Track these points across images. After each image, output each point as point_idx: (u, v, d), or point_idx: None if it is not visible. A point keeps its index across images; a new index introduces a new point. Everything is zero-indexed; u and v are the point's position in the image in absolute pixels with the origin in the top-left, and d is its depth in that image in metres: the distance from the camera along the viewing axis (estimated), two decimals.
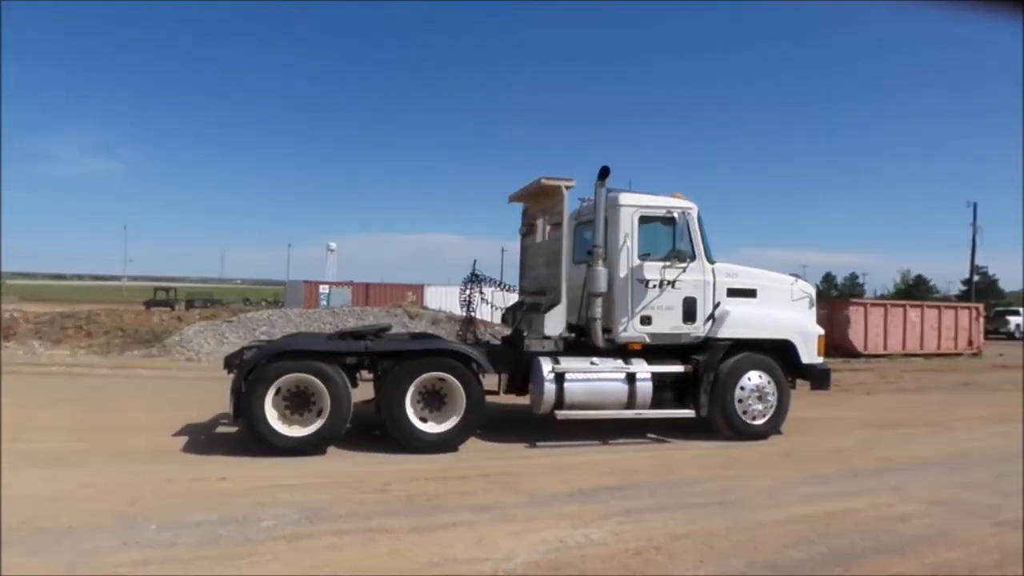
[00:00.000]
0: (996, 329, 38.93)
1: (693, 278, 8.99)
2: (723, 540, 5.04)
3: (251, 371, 7.52)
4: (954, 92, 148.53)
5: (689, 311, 8.99)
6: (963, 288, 56.02)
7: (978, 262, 52.83)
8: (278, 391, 7.57)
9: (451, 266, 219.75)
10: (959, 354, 25.76)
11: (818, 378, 9.62)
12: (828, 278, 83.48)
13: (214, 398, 11.58)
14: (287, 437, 7.53)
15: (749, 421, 8.99)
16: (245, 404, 7.45)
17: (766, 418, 9.08)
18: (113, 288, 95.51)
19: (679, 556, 4.71)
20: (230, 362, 8.22)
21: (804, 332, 9.56)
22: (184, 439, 8.24)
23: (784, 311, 9.58)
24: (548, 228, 9.84)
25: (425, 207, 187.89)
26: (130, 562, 4.34)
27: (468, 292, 10.41)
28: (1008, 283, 69.29)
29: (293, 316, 22.17)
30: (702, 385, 8.81)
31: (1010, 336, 39.38)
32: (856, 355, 23.39)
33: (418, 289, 38.23)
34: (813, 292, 10.20)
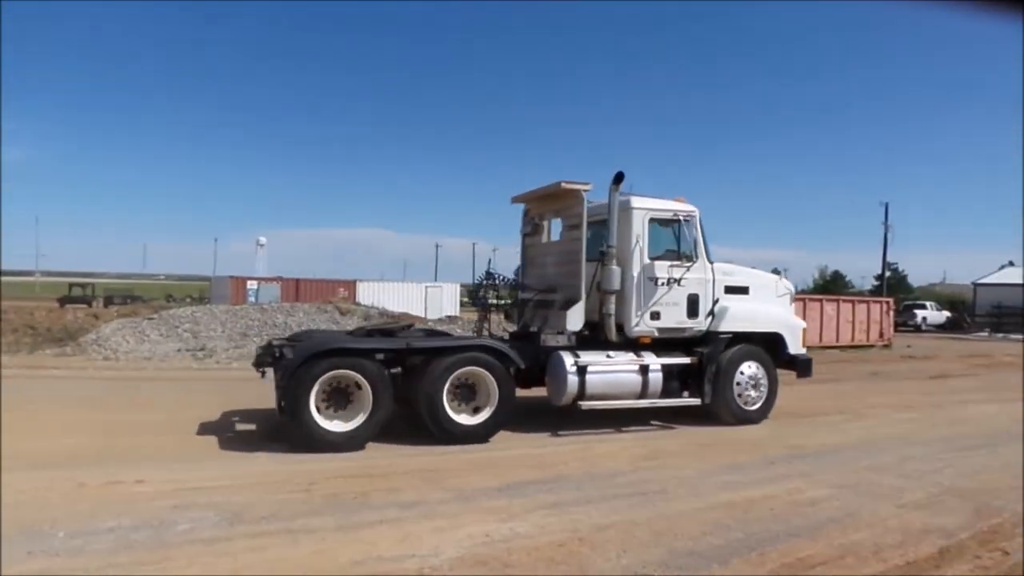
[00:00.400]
0: (905, 322, 41.09)
1: (696, 276, 9.74)
2: (644, 529, 5.17)
3: (295, 369, 7.61)
4: (869, 95, 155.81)
5: (692, 307, 9.73)
6: (875, 283, 58.77)
7: (889, 259, 55.55)
8: (320, 388, 7.72)
9: (385, 261, 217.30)
10: (871, 346, 27.07)
11: (802, 367, 10.58)
12: None
13: (131, 397, 11.17)
14: (332, 432, 7.74)
15: (745, 407, 9.84)
16: (291, 401, 7.59)
17: (759, 404, 9.99)
18: (24, 284, 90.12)
19: (601, 546, 4.81)
20: (262, 360, 8.41)
21: (791, 325, 10.63)
22: (99, 441, 7.88)
23: (772, 306, 10.55)
24: (562, 229, 10.39)
25: (357, 202, 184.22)
26: (36, 572, 4.15)
27: (484, 290, 10.94)
28: (916, 278, 73.35)
29: (219, 313, 21.49)
30: (706, 375, 9.59)
31: (917, 328, 41.69)
32: None
33: (350, 285, 37.63)
34: (793, 289, 11.24)
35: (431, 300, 39.58)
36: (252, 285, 36.90)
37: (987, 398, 13.43)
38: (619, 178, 9.25)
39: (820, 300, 27.74)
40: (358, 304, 28.17)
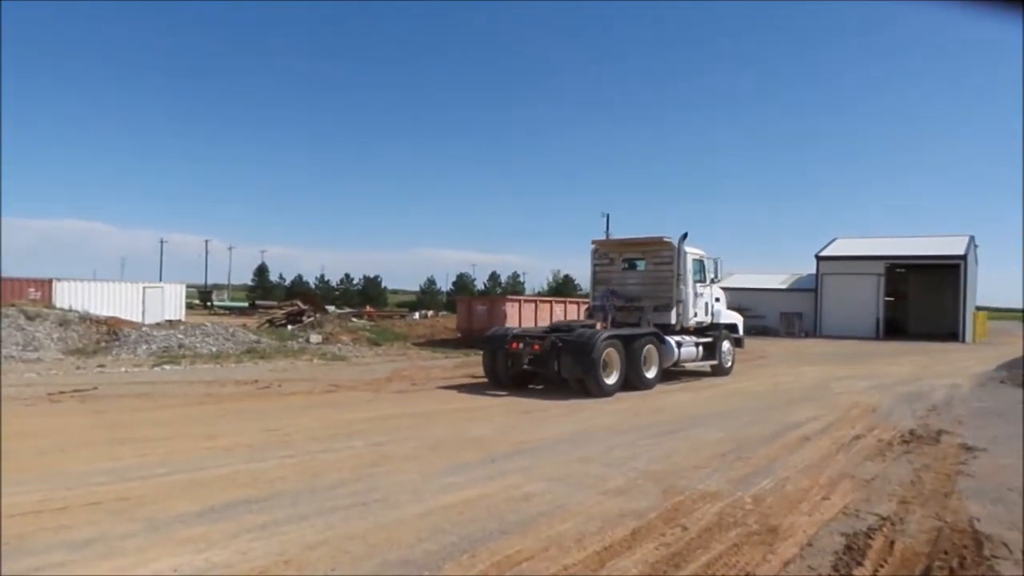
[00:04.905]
0: None
1: (709, 291, 17.17)
2: (359, 542, 4.93)
3: (595, 348, 13.15)
4: (592, 111, 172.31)
5: (707, 309, 17.11)
6: None
7: None
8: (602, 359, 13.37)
9: (100, 258, 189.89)
10: None
11: (740, 343, 19.12)
12: (494, 276, 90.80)
13: None
14: (607, 384, 13.41)
15: (726, 367, 17.67)
16: (594, 368, 13.12)
17: (729, 364, 17.96)
18: None
19: (310, 566, 4.47)
20: (500, 339, 14.80)
21: (739, 319, 19.45)
22: None
23: (726, 307, 18.68)
24: (647, 263, 16.61)
25: (64, 189, 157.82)
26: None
27: (607, 300, 16.39)
28: None
29: None
30: (717, 348, 17.13)
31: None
32: None
33: (45, 284, 32.21)
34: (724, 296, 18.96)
35: (150, 302, 35.46)
36: None
37: (683, 387, 15.36)
38: (685, 236, 15.94)
39: (549, 302, 29.93)
40: (53, 307, 24.25)
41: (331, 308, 48.21)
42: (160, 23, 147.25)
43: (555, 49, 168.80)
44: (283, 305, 37.26)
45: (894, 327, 45.70)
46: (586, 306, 32.36)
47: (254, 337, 23.14)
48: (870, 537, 5.20)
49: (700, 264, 16.58)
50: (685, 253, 15.93)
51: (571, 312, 29.47)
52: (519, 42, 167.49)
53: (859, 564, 4.64)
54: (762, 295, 49.46)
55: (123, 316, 26.60)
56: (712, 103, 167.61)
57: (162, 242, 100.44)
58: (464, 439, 8.95)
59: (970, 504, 6.10)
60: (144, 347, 19.94)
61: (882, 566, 4.63)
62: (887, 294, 45.46)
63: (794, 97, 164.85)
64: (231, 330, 23.29)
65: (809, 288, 47.43)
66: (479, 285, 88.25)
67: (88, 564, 4.45)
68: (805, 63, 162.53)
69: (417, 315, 46.96)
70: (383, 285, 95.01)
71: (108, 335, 20.84)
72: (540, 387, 14.65)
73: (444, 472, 7.08)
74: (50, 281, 32.44)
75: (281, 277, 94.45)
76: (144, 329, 22.15)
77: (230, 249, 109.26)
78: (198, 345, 20.73)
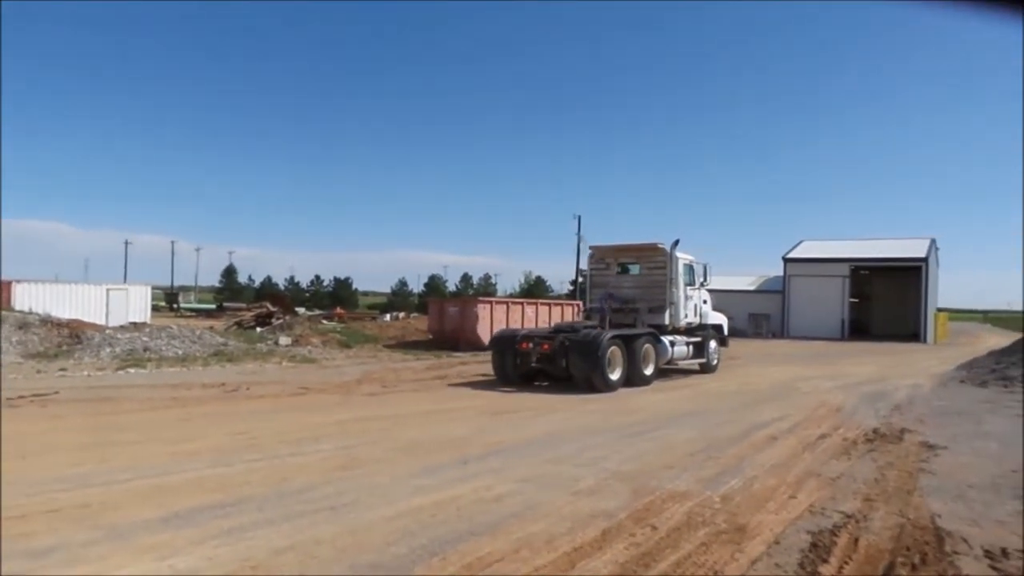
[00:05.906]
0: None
1: (698, 294, 18.28)
2: (328, 547, 4.87)
3: (600, 346, 14.11)
4: (551, 115, 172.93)
5: (696, 310, 18.21)
6: (571, 287, 65.32)
7: (581, 266, 61.96)
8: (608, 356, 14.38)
9: (62, 260, 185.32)
10: None
11: (725, 342, 20.33)
12: (466, 278, 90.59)
13: None
14: (612, 380, 14.39)
15: (712, 364, 18.77)
16: (601, 365, 14.07)
17: (716, 362, 19.10)
18: None
19: (277, 571, 4.40)
20: (521, 338, 15.72)
21: (725, 320, 20.44)
22: None
23: (712, 308, 19.63)
24: (641, 268, 17.66)
25: (24, 188, 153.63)
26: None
27: (606, 303, 16.99)
28: None
29: None
30: (705, 347, 18.29)
31: None
32: (484, 348, 25.46)
33: (4, 286, 31.31)
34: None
35: (114, 304, 34.73)
36: None
37: (655, 388, 15.46)
38: (676, 242, 16.98)
39: (521, 303, 29.95)
40: (12, 309, 23.62)
41: (301, 310, 47.75)
42: (125, 23, 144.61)
43: (527, 53, 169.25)
44: (252, 307, 36.81)
45: (858, 328, 46.62)
46: (558, 307, 32.84)
47: (221, 340, 22.79)
48: (835, 535, 5.28)
49: (690, 268, 17.68)
50: (677, 258, 16.97)
51: (542, 313, 29.57)
52: (491, 45, 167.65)
53: (824, 561, 4.71)
54: (731, 296, 49.97)
55: (86, 319, 25.96)
56: (681, 108, 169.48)
57: (127, 243, 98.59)
58: (436, 441, 8.90)
59: (931, 501, 6.23)
60: (108, 350, 19.53)
61: (847, 563, 4.70)
62: (852, 295, 46.38)
63: (761, 102, 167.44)
64: (198, 332, 22.91)
65: (776, 290, 48.15)
66: (451, 287, 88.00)
67: (49, 572, 4.33)
68: (771, 69, 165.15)
69: (388, 317, 46.64)
70: (354, 287, 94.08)
71: (70, 338, 20.36)
72: (545, 384, 15.65)
73: (415, 474, 7.03)
74: (9, 283, 31.61)
75: (250, 279, 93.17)
76: (108, 332, 21.67)
77: (197, 250, 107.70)
78: (164, 348, 20.36)
